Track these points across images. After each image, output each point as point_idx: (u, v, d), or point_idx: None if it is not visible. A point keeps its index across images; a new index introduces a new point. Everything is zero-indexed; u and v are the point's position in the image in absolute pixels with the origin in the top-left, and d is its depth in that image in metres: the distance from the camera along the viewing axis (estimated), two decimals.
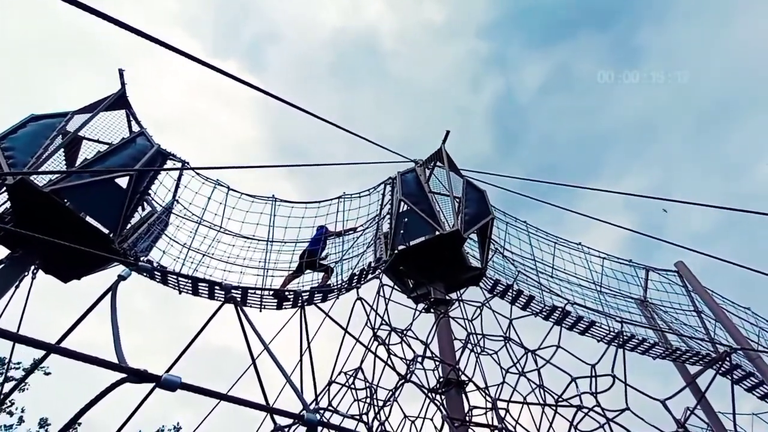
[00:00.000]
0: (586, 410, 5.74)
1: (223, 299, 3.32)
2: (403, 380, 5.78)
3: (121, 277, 2.89)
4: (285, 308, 6.85)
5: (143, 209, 10.04)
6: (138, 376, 1.83)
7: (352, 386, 6.21)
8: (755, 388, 10.20)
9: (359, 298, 5.85)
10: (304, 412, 2.13)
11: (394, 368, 5.87)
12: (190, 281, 6.86)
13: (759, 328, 11.61)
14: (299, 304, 6.94)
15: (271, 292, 6.80)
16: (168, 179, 9.52)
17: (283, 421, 4.15)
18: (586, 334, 9.86)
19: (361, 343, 5.11)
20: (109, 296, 2.65)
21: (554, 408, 5.97)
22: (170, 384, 1.84)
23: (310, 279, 8.71)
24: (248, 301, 7.70)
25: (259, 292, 6.80)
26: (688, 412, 5.36)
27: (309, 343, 4.27)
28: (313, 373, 4.21)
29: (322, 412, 3.99)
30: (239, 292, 6.57)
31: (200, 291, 7.22)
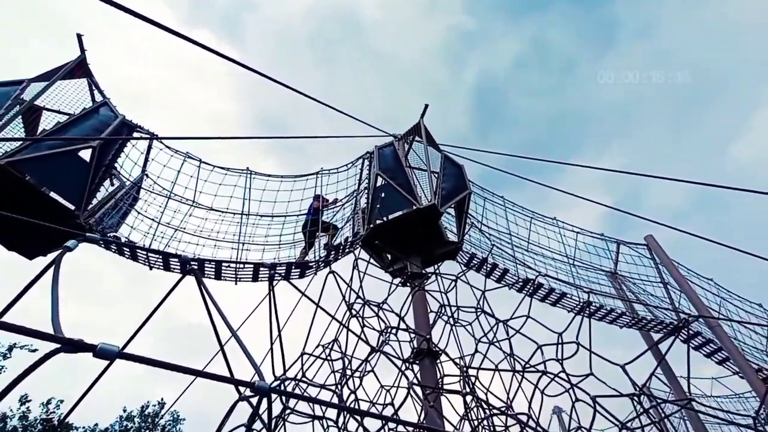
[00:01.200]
0: (552, 375, 5.96)
1: (187, 271, 3.25)
2: (373, 351, 5.87)
3: (67, 248, 2.78)
4: (261, 281, 6.81)
5: (112, 184, 9.70)
6: (73, 345, 1.76)
7: (329, 358, 6.28)
8: (713, 354, 10.82)
9: (332, 272, 5.83)
10: (256, 379, 2.11)
11: (367, 342, 5.95)
12: (146, 252, 6.72)
13: (720, 298, 12.20)
14: (275, 278, 6.90)
15: (243, 265, 6.73)
16: (137, 153, 9.16)
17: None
18: (558, 305, 10.19)
19: (333, 318, 5.14)
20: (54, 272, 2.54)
21: (522, 374, 6.19)
22: (107, 353, 1.78)
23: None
24: (222, 274, 7.62)
25: (233, 265, 6.72)
26: (650, 377, 5.63)
27: (277, 317, 4.26)
28: (281, 345, 4.21)
29: (288, 382, 4.03)
30: (196, 264, 6.48)
31: (158, 263, 7.10)
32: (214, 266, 6.86)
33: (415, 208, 8.98)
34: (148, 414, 22.85)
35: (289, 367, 5.25)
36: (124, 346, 3.37)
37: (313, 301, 4.88)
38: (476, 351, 7.32)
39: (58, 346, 1.71)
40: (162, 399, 23.38)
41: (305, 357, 5.82)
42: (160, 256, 6.78)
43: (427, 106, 11.15)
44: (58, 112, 8.83)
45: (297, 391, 5.09)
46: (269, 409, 2.40)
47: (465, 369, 6.78)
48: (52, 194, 7.89)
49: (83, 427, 21.66)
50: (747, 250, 6.84)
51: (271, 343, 4.43)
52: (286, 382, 4.06)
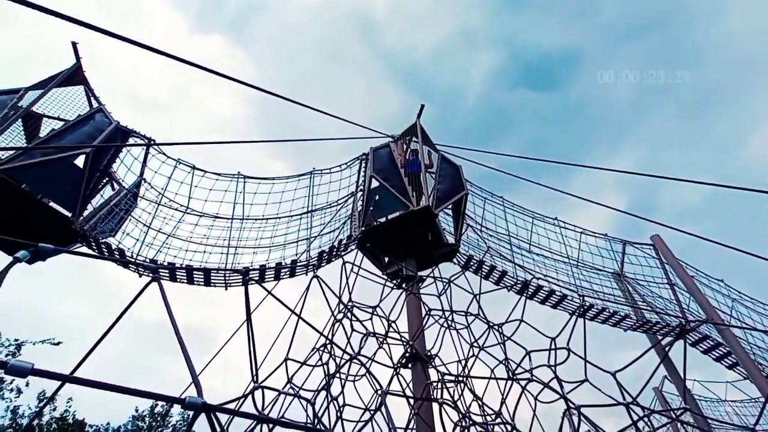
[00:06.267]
0: (542, 383, 5.77)
1: (152, 278, 3.20)
2: (352, 359, 5.77)
3: (17, 259, 2.74)
4: (234, 286, 6.78)
5: (113, 188, 9.81)
6: None
7: (316, 364, 6.19)
8: (723, 358, 10.42)
9: (315, 276, 5.75)
10: (187, 395, 2.03)
11: (345, 351, 5.84)
12: (118, 256, 6.74)
13: (732, 300, 11.76)
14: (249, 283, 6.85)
15: (218, 271, 6.71)
16: (133, 159, 9.23)
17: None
18: (559, 307, 9.94)
19: (313, 328, 5.04)
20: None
21: (511, 380, 6.01)
22: (19, 370, 1.71)
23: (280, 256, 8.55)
24: (212, 280, 7.61)
25: (216, 271, 6.70)
26: (644, 384, 5.39)
27: (250, 322, 4.18)
28: (251, 351, 4.14)
29: (211, 404, 3.94)
30: (167, 272, 6.46)
31: (133, 269, 7.13)
32: (185, 273, 6.84)
33: (409, 209, 8.87)
34: (157, 413, 23.11)
35: (270, 375, 5.19)
36: (90, 351, 3.34)
37: (290, 309, 4.79)
38: (470, 356, 7.16)
39: None
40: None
41: (289, 363, 5.75)
42: (131, 262, 6.78)
43: (423, 106, 11.01)
44: (56, 118, 8.95)
45: (280, 397, 5.03)
46: (212, 424, 2.32)
47: (456, 376, 6.63)
48: (47, 201, 8.02)
49: (96, 426, 21.99)
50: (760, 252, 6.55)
51: (249, 350, 4.36)
52: (256, 392, 3.99)
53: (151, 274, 3.49)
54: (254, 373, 4.33)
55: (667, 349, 7.26)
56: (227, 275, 6.96)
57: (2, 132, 7.75)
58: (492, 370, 7.26)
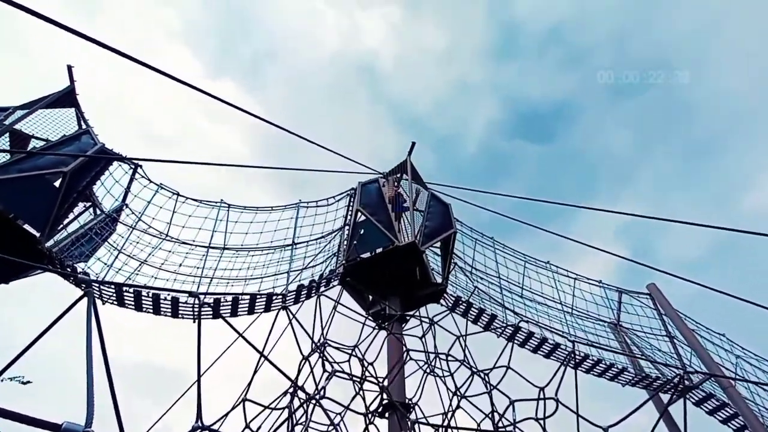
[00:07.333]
0: None
1: (84, 293, 2.84)
2: (309, 399, 5.18)
3: None
4: (184, 317, 6.30)
5: (94, 213, 9.52)
6: None
7: (278, 407, 5.58)
8: (730, 420, 9.62)
9: (284, 308, 5.31)
10: (66, 421, 1.63)
11: (313, 397, 5.29)
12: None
13: (736, 356, 11.11)
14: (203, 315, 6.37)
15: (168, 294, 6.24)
16: (114, 183, 9.04)
17: None
18: (552, 357, 9.32)
19: (276, 368, 4.56)
20: None
21: None
22: None
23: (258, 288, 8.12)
24: (180, 312, 7.13)
25: (162, 294, 6.24)
26: None
27: (200, 352, 3.74)
28: (198, 388, 3.65)
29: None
30: (97, 287, 6.02)
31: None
32: (132, 295, 6.38)
33: (394, 245, 8.56)
34: None
35: (224, 417, 4.63)
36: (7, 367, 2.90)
37: (252, 345, 4.34)
38: (450, 406, 6.53)
39: None
40: None
41: (251, 406, 5.18)
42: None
43: (413, 144, 11.05)
44: (44, 140, 8.88)
45: None
46: None
47: (436, 428, 5.98)
48: (21, 222, 7.71)
49: None
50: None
51: (198, 385, 3.87)
52: None
53: (83, 287, 3.13)
54: (198, 412, 3.81)
55: (666, 404, 6.64)
56: (180, 301, 6.48)
57: None
58: (478, 424, 6.61)
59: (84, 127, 8.88)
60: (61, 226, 7.81)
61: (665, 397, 10.23)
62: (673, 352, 10.50)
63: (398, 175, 11.25)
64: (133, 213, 9.16)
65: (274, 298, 7.26)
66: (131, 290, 6.40)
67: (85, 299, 3.17)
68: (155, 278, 7.33)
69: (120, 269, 7.37)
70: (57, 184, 8.00)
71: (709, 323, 11.54)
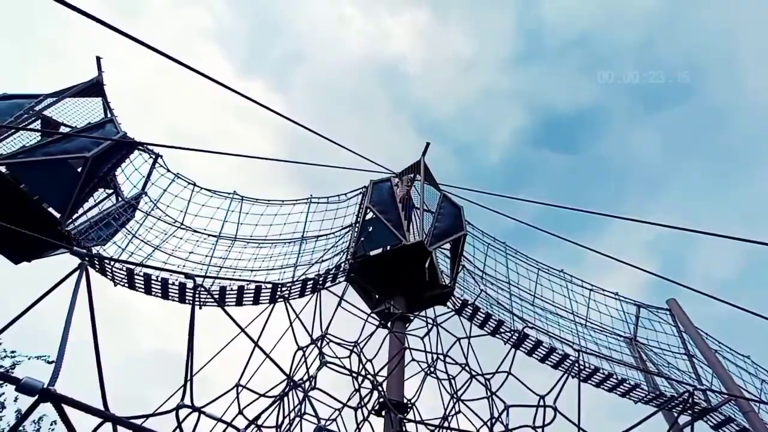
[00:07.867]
0: None
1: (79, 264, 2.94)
2: (297, 387, 5.16)
3: None
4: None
5: (118, 200, 9.87)
6: None
7: (271, 396, 5.59)
8: None
9: (282, 299, 5.33)
10: (26, 377, 1.66)
11: (306, 391, 5.27)
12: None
13: (761, 381, 10.48)
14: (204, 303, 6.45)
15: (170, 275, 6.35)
16: (134, 170, 9.34)
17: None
18: (560, 368, 9.02)
19: (271, 360, 4.58)
20: None
21: None
22: None
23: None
24: (187, 298, 7.27)
25: (158, 276, 6.35)
26: None
27: (191, 342, 3.78)
28: (189, 365, 3.69)
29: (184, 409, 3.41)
30: (97, 260, 6.14)
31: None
32: (125, 272, 6.50)
33: (402, 244, 8.49)
34: None
35: (215, 399, 4.67)
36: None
37: (247, 335, 4.37)
38: (450, 409, 6.39)
39: None
40: None
41: (240, 389, 5.20)
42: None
43: (428, 144, 10.97)
44: (72, 127, 9.28)
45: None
46: (62, 416, 1.91)
47: (432, 429, 5.87)
48: (46, 206, 8.05)
49: None
50: None
51: (187, 368, 3.91)
52: (182, 412, 3.46)
53: (79, 259, 3.22)
54: (188, 389, 3.85)
55: (676, 421, 6.31)
56: (187, 287, 6.59)
57: (15, 133, 8.02)
58: (478, 430, 6.45)
59: (109, 116, 9.22)
60: (82, 210, 8.11)
61: (682, 420, 9.75)
62: (691, 371, 10.00)
63: (411, 176, 11.18)
64: (150, 200, 9.44)
65: (278, 289, 7.32)
66: (140, 272, 6.59)
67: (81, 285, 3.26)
68: (166, 263, 7.51)
69: (133, 253, 7.58)
70: (79, 169, 8.37)
71: (737, 346, 10.93)
